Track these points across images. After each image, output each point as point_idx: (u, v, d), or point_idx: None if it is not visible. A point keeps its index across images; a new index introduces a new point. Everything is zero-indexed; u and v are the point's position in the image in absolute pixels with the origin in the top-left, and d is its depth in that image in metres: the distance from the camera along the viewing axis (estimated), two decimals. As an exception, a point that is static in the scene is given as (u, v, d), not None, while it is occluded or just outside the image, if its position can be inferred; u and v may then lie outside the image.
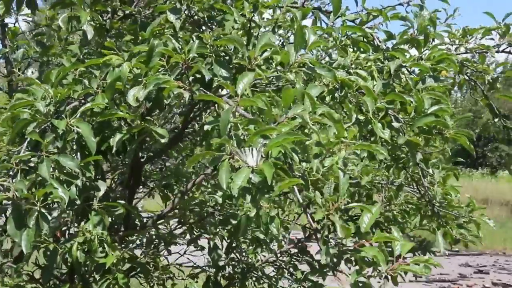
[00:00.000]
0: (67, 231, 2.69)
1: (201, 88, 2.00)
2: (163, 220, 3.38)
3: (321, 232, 1.52)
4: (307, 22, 2.63)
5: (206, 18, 2.32)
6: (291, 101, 1.73)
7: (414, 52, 2.67)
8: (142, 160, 3.37)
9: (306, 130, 1.65)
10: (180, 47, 1.96)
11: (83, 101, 2.39)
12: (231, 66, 2.10)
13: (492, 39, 3.57)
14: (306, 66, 1.97)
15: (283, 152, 1.63)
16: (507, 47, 3.58)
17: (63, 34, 2.85)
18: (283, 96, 1.72)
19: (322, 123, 1.69)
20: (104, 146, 2.88)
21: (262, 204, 1.63)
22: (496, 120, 3.85)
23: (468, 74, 3.51)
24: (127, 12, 2.82)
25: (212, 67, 2.06)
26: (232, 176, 1.52)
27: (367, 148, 1.60)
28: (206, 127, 1.74)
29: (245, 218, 1.91)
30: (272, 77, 2.04)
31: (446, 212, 3.04)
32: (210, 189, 3.61)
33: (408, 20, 2.68)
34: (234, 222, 2.97)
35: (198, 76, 2.22)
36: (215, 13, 2.41)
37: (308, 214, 1.59)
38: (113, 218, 2.71)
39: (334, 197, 1.54)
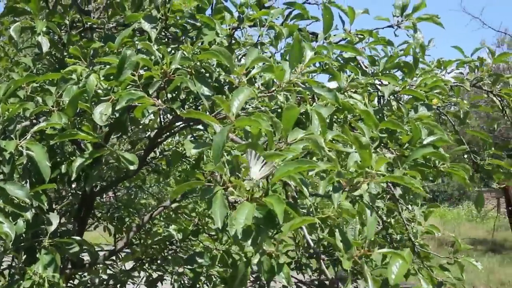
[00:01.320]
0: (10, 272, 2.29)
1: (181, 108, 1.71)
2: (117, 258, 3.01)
3: (346, 284, 1.23)
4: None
5: (183, 30, 2.04)
6: (293, 123, 1.47)
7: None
8: (95, 189, 3.01)
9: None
10: (161, 56, 1.66)
11: (34, 120, 2.05)
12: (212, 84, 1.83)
13: (461, 72, 3.46)
14: (305, 84, 1.72)
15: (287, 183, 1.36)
16: (477, 82, 3.47)
17: (14, 45, 2.50)
18: (284, 117, 1.45)
19: (339, 149, 1.44)
20: (55, 173, 2.52)
21: (266, 247, 1.34)
22: (465, 156, 3.72)
23: (440, 107, 3.37)
24: (87, 24, 2.51)
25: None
26: (232, 213, 1.23)
27: (399, 181, 1.34)
28: (191, 151, 1.44)
29: (244, 265, 1.58)
30: (262, 98, 1.76)
31: (428, 252, 2.82)
32: (164, 223, 3.29)
33: (386, 46, 2.50)
34: (200, 261, 2.65)
35: (173, 94, 1.93)
36: (191, 26, 2.14)
37: (322, 262, 1.30)
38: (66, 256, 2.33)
39: (360, 242, 1.27)
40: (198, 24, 2.09)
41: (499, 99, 3.47)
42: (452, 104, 3.43)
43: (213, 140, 1.34)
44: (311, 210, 1.47)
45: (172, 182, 3.65)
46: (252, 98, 1.65)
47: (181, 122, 2.06)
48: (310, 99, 1.88)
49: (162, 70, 1.61)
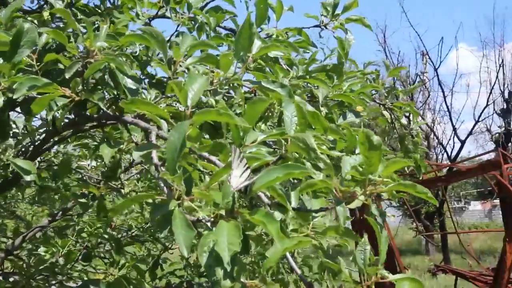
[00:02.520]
0: None
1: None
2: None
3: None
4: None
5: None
6: (256, 119, 1.18)
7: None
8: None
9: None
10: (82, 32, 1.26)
11: None
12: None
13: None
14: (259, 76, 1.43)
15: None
16: (373, 95, 3.44)
17: None
18: (248, 113, 1.15)
19: (327, 153, 1.17)
20: None
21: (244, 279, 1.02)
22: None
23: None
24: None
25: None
26: (207, 234, 0.90)
27: (411, 190, 1.09)
28: (136, 155, 1.08)
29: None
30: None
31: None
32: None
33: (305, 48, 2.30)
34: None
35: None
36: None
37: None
38: None
39: (374, 268, 1.00)
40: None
41: (390, 112, 3.46)
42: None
43: (167, 139, 1.00)
44: (288, 229, 1.19)
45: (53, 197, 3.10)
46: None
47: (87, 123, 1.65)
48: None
49: (84, 49, 1.22)
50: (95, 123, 1.56)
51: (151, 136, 1.21)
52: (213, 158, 1.16)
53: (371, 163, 1.03)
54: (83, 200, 2.45)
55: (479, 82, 17.83)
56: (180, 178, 0.98)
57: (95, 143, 2.18)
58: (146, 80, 1.64)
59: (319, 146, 1.14)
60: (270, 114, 1.66)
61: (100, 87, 1.39)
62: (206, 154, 1.17)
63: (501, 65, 17.41)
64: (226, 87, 1.43)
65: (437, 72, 16.90)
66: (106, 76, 1.36)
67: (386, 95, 3.24)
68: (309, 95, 2.08)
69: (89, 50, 1.24)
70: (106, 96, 1.40)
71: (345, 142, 1.91)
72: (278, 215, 1.11)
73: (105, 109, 1.32)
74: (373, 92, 3.04)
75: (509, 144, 16.90)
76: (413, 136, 3.35)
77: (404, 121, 3.22)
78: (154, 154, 1.11)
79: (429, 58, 17.83)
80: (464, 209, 28.66)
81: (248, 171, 0.99)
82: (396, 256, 9.41)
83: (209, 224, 0.98)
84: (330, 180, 1.05)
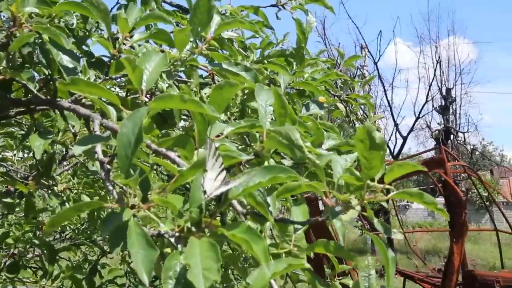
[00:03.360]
0: None
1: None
2: None
3: None
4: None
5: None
6: (224, 107, 0.99)
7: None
8: None
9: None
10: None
11: None
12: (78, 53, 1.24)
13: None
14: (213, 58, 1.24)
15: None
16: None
17: None
18: (213, 100, 0.96)
19: (314, 151, 0.99)
20: None
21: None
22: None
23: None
24: None
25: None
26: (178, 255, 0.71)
27: (417, 199, 0.92)
28: (78, 149, 0.86)
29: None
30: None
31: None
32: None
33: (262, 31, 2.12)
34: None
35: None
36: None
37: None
38: None
39: None
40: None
41: (345, 105, 3.35)
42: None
43: (119, 131, 0.80)
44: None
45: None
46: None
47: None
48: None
49: (9, 17, 0.99)
50: (22, 109, 1.32)
51: (93, 126, 1.00)
52: (172, 154, 0.96)
53: (371, 165, 0.86)
54: (8, 200, 2.19)
55: (417, 77, 18.23)
56: (136, 180, 0.78)
57: (23, 132, 1.92)
58: (84, 59, 1.41)
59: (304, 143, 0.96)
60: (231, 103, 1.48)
61: (28, 64, 1.17)
62: (162, 150, 0.97)
63: (438, 61, 17.86)
64: (182, 68, 1.22)
65: (377, 66, 17.07)
66: (36, 51, 1.14)
67: (341, 86, 3.12)
68: (267, 82, 1.91)
69: (15, 18, 1.02)
70: (36, 76, 1.18)
71: (311, 136, 1.76)
72: (253, 226, 0.94)
73: (35, 91, 1.10)
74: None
75: (448, 141, 17.39)
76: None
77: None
78: (99, 149, 0.91)
79: (369, 51, 18.01)
80: (407, 207, 29.41)
81: (224, 173, 0.81)
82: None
83: (172, 240, 0.78)
84: (321, 184, 0.87)
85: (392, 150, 16.58)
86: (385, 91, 17.01)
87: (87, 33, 1.40)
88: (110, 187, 0.82)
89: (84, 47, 1.39)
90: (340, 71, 3.06)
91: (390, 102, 16.97)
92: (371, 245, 18.52)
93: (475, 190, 17.21)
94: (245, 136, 1.19)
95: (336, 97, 3.16)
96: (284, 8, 2.08)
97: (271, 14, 2.17)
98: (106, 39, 1.18)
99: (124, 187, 0.80)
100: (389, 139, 17.07)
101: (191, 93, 0.91)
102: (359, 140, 0.86)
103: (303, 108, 2.00)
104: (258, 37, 2.14)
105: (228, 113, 1.66)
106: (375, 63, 16.94)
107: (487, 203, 17.80)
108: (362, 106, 3.38)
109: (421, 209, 29.51)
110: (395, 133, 16.70)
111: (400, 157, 16.03)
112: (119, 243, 0.73)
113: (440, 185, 8.73)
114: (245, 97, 1.50)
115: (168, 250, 0.78)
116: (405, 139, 16.37)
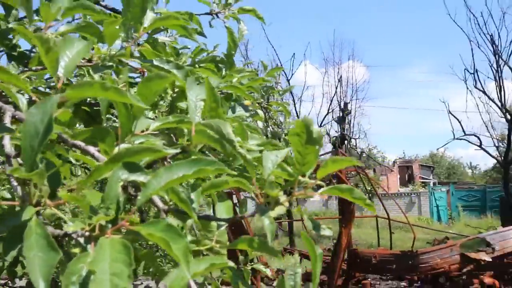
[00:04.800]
0: None
1: None
2: None
3: None
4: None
5: None
6: (152, 100, 0.82)
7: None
8: None
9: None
10: None
11: None
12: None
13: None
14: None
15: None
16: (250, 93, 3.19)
17: None
18: (141, 92, 0.78)
19: (244, 146, 0.84)
20: None
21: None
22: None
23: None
24: None
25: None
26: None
27: (347, 195, 0.77)
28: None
29: None
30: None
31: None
32: None
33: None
34: None
35: None
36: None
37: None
38: None
39: None
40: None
41: (264, 111, 3.24)
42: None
43: (25, 120, 0.60)
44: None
45: None
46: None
47: None
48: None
49: None
50: None
51: (4, 118, 0.79)
52: (92, 149, 0.77)
53: (305, 161, 0.71)
54: None
55: (322, 93, 18.90)
56: (42, 175, 0.59)
57: None
58: (4, 53, 1.17)
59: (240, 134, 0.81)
60: (160, 100, 1.29)
61: None
62: (81, 144, 0.78)
63: (339, 80, 18.57)
64: (110, 63, 1.03)
65: (289, 83, 17.57)
66: None
67: (263, 94, 3.00)
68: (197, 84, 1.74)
69: None
70: None
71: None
72: (174, 223, 0.77)
73: None
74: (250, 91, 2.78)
75: (343, 146, 18.05)
76: (286, 135, 3.14)
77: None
78: (7, 141, 0.70)
79: (283, 70, 18.56)
80: (306, 199, 30.09)
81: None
82: (252, 240, 9.40)
83: (82, 240, 0.60)
84: (250, 181, 0.72)
85: (296, 152, 17.01)
86: (294, 104, 17.55)
87: (8, 26, 1.16)
88: (15, 183, 0.62)
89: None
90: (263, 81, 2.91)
91: (298, 113, 17.48)
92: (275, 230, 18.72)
93: (362, 185, 17.90)
94: (172, 135, 1.02)
95: (257, 104, 3.01)
96: (218, 17, 1.92)
97: (205, 22, 2.00)
98: (28, 28, 0.96)
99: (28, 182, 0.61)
100: (295, 144, 17.50)
101: (114, 82, 0.72)
102: (295, 134, 0.72)
103: (229, 110, 1.85)
104: (189, 48, 1.97)
105: (157, 111, 1.47)
106: (288, 80, 17.47)
107: (370, 195, 18.57)
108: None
109: (317, 201, 30.28)
110: (300, 139, 17.15)
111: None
112: (15, 246, 0.53)
113: (335, 180, 8.99)
114: (174, 95, 1.32)
115: (76, 250, 0.60)
116: (307, 143, 16.83)
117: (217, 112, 0.87)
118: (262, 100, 3.00)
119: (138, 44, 1.59)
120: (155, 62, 1.07)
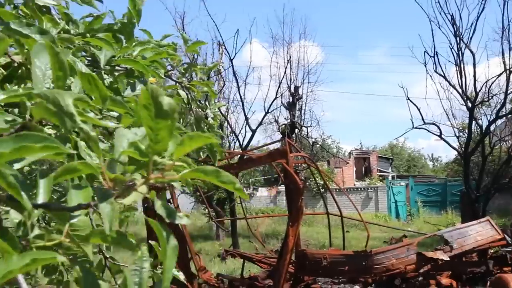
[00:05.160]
0: None
1: None
2: None
3: None
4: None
5: None
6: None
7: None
8: None
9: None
10: None
11: None
12: None
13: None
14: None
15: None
16: (168, 71, 3.13)
17: None
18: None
19: (96, 123, 0.78)
20: None
21: None
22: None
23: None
24: None
25: None
26: None
27: (213, 179, 0.73)
28: None
29: None
30: None
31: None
32: None
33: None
34: None
35: None
36: None
37: None
38: None
39: None
40: None
41: (186, 92, 3.19)
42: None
43: None
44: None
45: None
46: None
47: None
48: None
49: None
50: None
51: None
52: None
53: (158, 138, 0.68)
54: None
55: (269, 75, 18.72)
56: None
57: None
58: None
59: (83, 113, 0.76)
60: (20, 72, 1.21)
61: None
62: None
63: (289, 61, 18.51)
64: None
65: (232, 63, 17.23)
66: None
67: (183, 72, 2.94)
68: (89, 59, 1.67)
69: None
70: None
71: (132, 117, 1.56)
72: (14, 215, 0.72)
73: None
74: (169, 68, 2.72)
75: (293, 135, 18.14)
76: (207, 118, 3.11)
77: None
78: None
79: (225, 48, 18.19)
80: (252, 195, 30.22)
81: None
82: (188, 242, 9.33)
83: None
84: (98, 163, 0.68)
85: (241, 142, 16.89)
86: (238, 87, 17.23)
87: None
88: None
89: None
90: (188, 57, 2.84)
91: (243, 97, 17.24)
92: (216, 231, 18.70)
93: (313, 179, 18.15)
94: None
95: (177, 83, 2.96)
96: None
97: None
98: None
99: None
100: (240, 132, 17.34)
101: None
102: (142, 106, 0.68)
103: (128, 88, 1.80)
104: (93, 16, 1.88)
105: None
106: (231, 60, 17.09)
107: (323, 190, 18.86)
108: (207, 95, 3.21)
109: (264, 196, 30.53)
110: (245, 126, 17.01)
111: (249, 148, 16.38)
112: None
113: (282, 174, 9.01)
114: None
115: None
116: (254, 132, 16.75)
117: (64, 82, 0.82)
118: (184, 79, 2.96)
119: (15, 7, 1.51)
120: (13, 25, 1.00)
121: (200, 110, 3.14)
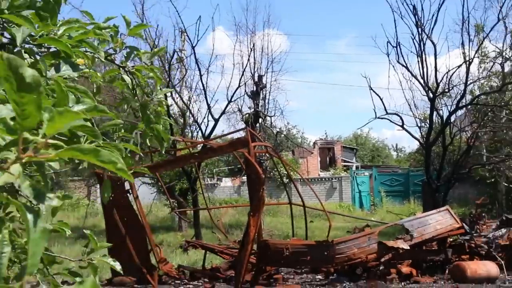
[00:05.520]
0: None
1: None
2: None
3: None
4: None
5: None
6: None
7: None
8: None
9: None
10: None
11: None
12: None
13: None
14: None
15: None
16: (109, 55, 2.98)
17: None
18: None
19: None
20: None
21: None
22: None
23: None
24: None
25: None
26: None
27: (91, 158, 0.63)
28: None
29: None
30: None
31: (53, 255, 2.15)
32: None
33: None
34: None
35: None
36: None
37: None
38: None
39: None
40: None
41: (131, 77, 3.04)
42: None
43: None
44: None
45: None
46: None
47: None
48: None
49: None
50: None
51: None
52: None
53: (24, 113, 0.58)
54: None
55: (233, 64, 18.45)
56: None
57: None
58: None
59: None
60: None
61: None
62: None
63: (252, 49, 18.34)
64: None
65: (194, 51, 16.91)
66: None
67: (126, 56, 2.80)
68: (8, 37, 1.54)
69: None
70: None
71: (54, 99, 1.45)
72: None
73: None
74: (111, 51, 2.58)
75: (257, 124, 18.04)
76: (159, 105, 2.98)
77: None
78: None
79: (187, 36, 17.87)
80: (216, 185, 30.09)
81: None
82: (148, 234, 9.15)
83: None
84: None
85: (204, 132, 16.69)
86: (200, 75, 16.94)
87: None
88: None
89: None
90: (149, 44, 2.71)
91: (205, 86, 16.96)
92: (178, 222, 18.54)
93: (277, 169, 18.14)
94: None
95: (121, 68, 2.81)
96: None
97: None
98: None
99: None
100: (202, 121, 17.10)
101: None
102: (3, 78, 0.58)
103: (52, 69, 1.67)
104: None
105: None
106: (193, 48, 16.78)
107: (286, 180, 18.88)
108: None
109: (228, 187, 30.46)
110: (208, 115, 16.79)
111: (212, 137, 16.21)
112: None
113: (244, 164, 8.93)
114: None
115: None
116: (216, 121, 16.57)
117: None
118: (127, 63, 2.81)
119: None
120: None
121: (145, 95, 3.00)
